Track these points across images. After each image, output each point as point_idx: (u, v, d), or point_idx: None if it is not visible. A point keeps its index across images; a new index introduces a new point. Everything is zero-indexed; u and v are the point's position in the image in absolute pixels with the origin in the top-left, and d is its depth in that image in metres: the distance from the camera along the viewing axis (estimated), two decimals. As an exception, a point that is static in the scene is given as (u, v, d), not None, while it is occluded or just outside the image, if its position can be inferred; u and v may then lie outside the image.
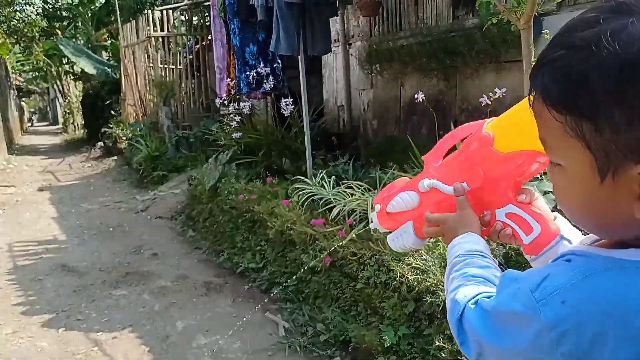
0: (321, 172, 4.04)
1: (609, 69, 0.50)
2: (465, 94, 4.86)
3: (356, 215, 3.18)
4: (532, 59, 2.30)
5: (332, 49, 5.64)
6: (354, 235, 3.02)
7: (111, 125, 11.04)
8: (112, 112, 12.15)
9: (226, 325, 3.25)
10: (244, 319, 3.15)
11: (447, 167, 0.89)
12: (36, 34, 18.43)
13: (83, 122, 17.83)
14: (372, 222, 0.99)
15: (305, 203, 3.71)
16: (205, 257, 4.59)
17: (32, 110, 40.07)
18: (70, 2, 16.02)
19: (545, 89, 0.56)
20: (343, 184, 3.66)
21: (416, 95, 3.51)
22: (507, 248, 2.45)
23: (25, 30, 18.12)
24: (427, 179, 0.88)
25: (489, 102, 2.86)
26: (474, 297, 0.70)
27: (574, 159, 0.56)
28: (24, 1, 18.57)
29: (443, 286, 2.35)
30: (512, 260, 2.39)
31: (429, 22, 5.16)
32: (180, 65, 9.37)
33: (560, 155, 0.58)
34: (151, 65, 9.33)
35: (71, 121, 20.66)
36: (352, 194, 3.41)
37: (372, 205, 1.00)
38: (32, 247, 5.15)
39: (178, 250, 4.87)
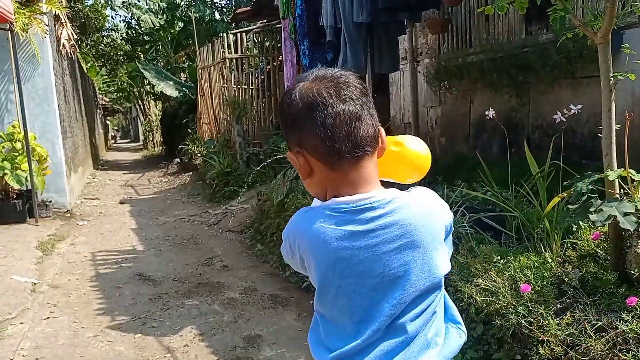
0: (388, 190, 4.02)
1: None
2: (539, 111, 4.70)
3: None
4: (611, 75, 2.20)
5: (400, 67, 5.65)
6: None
7: (187, 143, 11.60)
8: (189, 130, 12.76)
9: (292, 338, 3.30)
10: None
11: None
12: (120, 57, 19.85)
13: (162, 140, 18.88)
14: None
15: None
16: (272, 271, 4.68)
17: (115, 128, 42.76)
18: (152, 27, 17.08)
19: None
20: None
21: (487, 112, 3.44)
22: (584, 271, 2.34)
23: (111, 54, 19.58)
24: None
25: (564, 119, 2.76)
26: None
27: None
28: (110, 27, 20.09)
29: (513, 309, 2.28)
30: (588, 284, 2.27)
31: (500, 37, 5.06)
32: (252, 85, 9.72)
33: None
34: (225, 85, 9.74)
35: (151, 138, 21.91)
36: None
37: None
38: (112, 256, 5.49)
39: (247, 263, 5.01)
